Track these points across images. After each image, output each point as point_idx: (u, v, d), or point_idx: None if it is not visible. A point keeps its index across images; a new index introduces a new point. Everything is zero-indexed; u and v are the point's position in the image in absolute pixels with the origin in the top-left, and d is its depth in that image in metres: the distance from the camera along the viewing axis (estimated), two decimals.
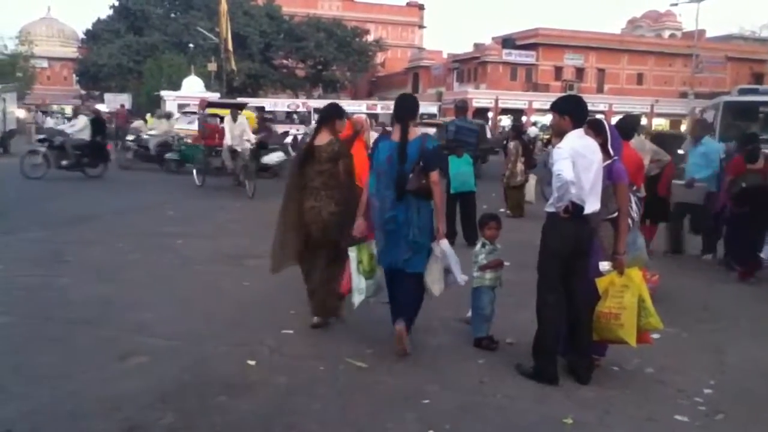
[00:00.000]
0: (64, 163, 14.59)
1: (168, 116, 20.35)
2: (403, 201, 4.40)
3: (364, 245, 4.65)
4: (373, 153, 4.68)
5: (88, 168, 15.08)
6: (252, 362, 4.32)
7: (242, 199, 12.56)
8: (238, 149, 13.09)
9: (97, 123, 15.67)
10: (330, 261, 5.01)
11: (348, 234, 4.73)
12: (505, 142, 11.78)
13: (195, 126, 18.75)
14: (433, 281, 4.44)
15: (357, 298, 4.66)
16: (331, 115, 5.14)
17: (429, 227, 4.47)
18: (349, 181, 5.05)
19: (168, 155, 17.39)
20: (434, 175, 4.43)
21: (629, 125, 6.25)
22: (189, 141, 17.73)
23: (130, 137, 19.19)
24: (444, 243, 4.46)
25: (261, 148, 14.66)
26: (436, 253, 4.44)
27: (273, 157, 15.83)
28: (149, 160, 17.86)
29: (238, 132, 13.24)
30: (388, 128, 5.86)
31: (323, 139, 5.02)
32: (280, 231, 5.08)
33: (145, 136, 18.53)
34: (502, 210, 11.09)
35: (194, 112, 20.37)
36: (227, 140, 13.25)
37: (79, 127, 15.05)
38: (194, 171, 14.69)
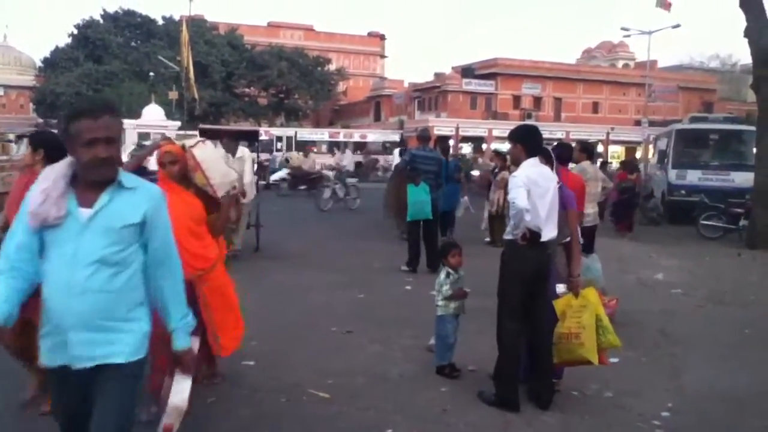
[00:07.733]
0: None
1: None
2: None
3: None
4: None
5: None
6: (212, 399, 4.25)
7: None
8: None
9: None
10: None
11: None
12: (496, 170, 11.95)
13: None
14: None
15: None
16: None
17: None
18: None
19: None
20: None
21: (568, 150, 6.22)
22: None
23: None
24: None
25: None
26: None
27: None
28: None
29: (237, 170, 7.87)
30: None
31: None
32: None
33: None
34: (487, 240, 11.58)
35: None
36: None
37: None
38: None
